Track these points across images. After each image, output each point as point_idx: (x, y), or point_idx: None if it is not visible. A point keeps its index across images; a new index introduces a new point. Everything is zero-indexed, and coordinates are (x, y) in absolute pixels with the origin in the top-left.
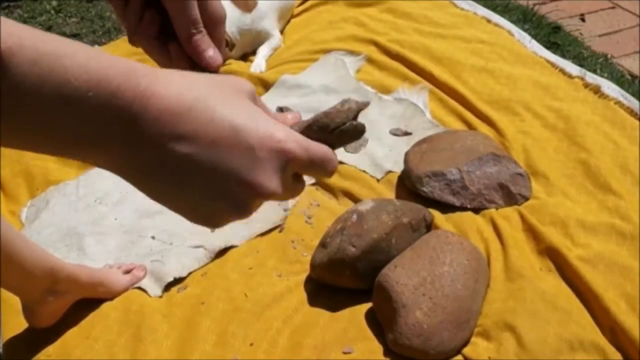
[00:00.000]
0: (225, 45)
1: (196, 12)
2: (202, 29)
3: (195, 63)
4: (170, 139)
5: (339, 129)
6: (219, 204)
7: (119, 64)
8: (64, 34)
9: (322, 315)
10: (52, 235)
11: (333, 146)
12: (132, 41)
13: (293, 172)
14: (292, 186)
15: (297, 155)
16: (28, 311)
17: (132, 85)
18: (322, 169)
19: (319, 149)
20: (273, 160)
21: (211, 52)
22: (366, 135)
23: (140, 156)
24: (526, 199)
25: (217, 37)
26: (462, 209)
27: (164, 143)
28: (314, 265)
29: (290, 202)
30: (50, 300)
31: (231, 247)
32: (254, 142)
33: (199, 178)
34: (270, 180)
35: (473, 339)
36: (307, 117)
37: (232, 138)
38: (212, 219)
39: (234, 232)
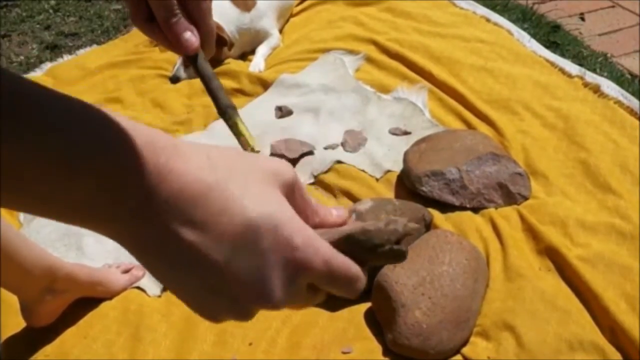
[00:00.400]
0: (212, 19)
1: None
2: (177, 12)
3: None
4: (179, 223)
5: (377, 250)
6: (218, 301)
7: (138, 132)
8: (62, 33)
9: (321, 315)
10: (51, 234)
11: (364, 263)
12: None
13: (308, 283)
14: (305, 296)
15: (314, 267)
16: (26, 310)
17: (151, 158)
18: (344, 287)
19: (344, 265)
20: (284, 269)
21: (187, 36)
22: (365, 134)
23: (146, 232)
24: (525, 198)
25: (201, 14)
26: (462, 208)
27: (172, 225)
28: None
29: None
30: (49, 299)
31: None
32: (267, 245)
33: (201, 270)
34: (276, 291)
35: (472, 339)
36: (305, 116)
37: (244, 235)
38: (209, 313)
39: None
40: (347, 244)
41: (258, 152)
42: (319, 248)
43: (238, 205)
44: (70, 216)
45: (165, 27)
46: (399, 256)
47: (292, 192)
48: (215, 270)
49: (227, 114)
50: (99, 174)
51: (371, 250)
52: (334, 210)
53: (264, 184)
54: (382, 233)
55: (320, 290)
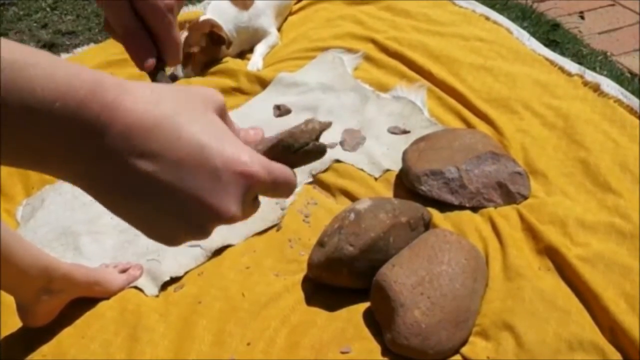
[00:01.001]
0: (179, 30)
1: (126, 15)
2: (133, 31)
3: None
4: (134, 156)
5: (302, 149)
6: (177, 223)
7: (85, 74)
8: (59, 32)
9: (319, 314)
10: (48, 234)
11: (293, 165)
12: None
13: (255, 194)
14: (250, 208)
15: (261, 179)
16: (22, 310)
17: (99, 97)
18: (283, 191)
19: (283, 172)
20: (237, 184)
21: (141, 55)
22: (364, 133)
23: (102, 169)
24: (525, 197)
25: (163, 27)
26: (461, 207)
27: (127, 159)
28: (311, 265)
29: (288, 201)
30: (45, 300)
31: (228, 246)
32: (219, 164)
33: (159, 196)
34: (232, 204)
35: (471, 339)
36: (303, 115)
37: (197, 158)
38: (167, 238)
39: (231, 231)
40: (276, 151)
41: None
42: (262, 161)
43: (188, 133)
44: (27, 161)
45: (122, 43)
46: (322, 151)
47: (223, 115)
48: (175, 194)
49: None
50: (52, 116)
51: (298, 150)
52: (250, 130)
53: (204, 111)
54: (305, 132)
55: (257, 200)
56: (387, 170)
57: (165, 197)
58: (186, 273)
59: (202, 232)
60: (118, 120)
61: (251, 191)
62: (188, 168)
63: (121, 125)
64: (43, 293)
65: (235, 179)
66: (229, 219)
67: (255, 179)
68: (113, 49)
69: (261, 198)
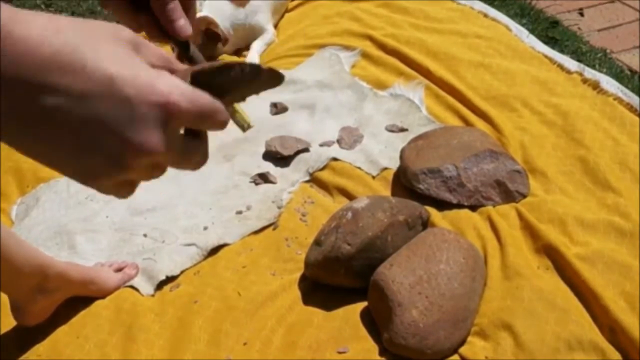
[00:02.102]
0: (196, 14)
1: (129, 15)
2: (142, 23)
3: (165, 32)
4: (34, 90)
5: (230, 74)
6: (94, 160)
7: None
8: None
9: (316, 314)
10: (43, 233)
11: (221, 96)
12: (103, 4)
13: (181, 127)
14: (182, 145)
15: (182, 109)
16: (17, 309)
17: None
18: (213, 121)
19: (207, 99)
20: (153, 115)
21: (182, 22)
22: (361, 131)
23: (3, 106)
24: (524, 196)
25: (188, 5)
26: (459, 206)
27: (27, 93)
28: (308, 264)
29: (285, 199)
30: (40, 298)
31: (224, 245)
32: (132, 94)
33: (69, 131)
34: (151, 136)
35: (470, 339)
36: (300, 113)
37: (105, 89)
38: (88, 175)
39: (227, 230)
40: (202, 79)
41: (252, 126)
42: (184, 89)
43: (94, 63)
44: None
45: (159, 12)
46: (253, 73)
47: (137, 48)
48: (84, 129)
49: None
50: None
51: (226, 76)
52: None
53: (112, 43)
54: (230, 62)
55: (199, 139)
56: (385, 168)
57: (75, 131)
58: (182, 272)
59: (124, 167)
60: (8, 49)
61: (173, 122)
62: (96, 100)
63: (12, 54)
64: (38, 292)
65: (151, 109)
66: (151, 153)
67: (174, 107)
68: None
69: (259, 197)
